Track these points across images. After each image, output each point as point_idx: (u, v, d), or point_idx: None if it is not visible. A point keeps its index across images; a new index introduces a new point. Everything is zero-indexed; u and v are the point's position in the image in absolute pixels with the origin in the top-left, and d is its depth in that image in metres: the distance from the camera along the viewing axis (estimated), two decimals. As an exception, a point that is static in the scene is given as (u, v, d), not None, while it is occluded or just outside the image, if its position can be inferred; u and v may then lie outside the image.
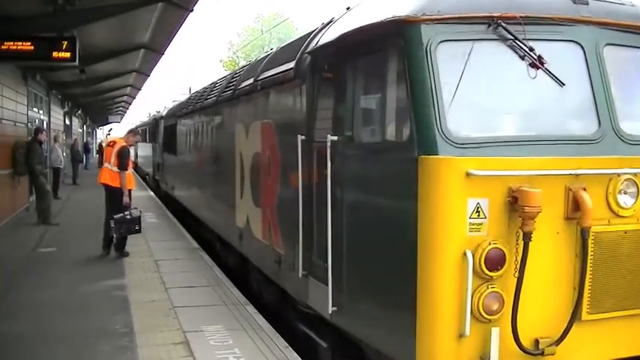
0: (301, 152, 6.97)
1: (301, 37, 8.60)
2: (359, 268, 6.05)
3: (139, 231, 12.46)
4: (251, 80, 10.05)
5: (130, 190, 12.58)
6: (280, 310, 9.09)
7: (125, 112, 59.02)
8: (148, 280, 10.63)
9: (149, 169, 32.55)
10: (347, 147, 6.21)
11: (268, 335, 7.75)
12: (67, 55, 12.86)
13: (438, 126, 5.00)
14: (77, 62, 13.39)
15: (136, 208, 12.58)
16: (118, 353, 7.11)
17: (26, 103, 19.28)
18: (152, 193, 27.04)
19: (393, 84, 5.71)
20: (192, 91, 27.30)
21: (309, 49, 7.42)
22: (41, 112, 23.92)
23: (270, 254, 8.71)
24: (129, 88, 33.83)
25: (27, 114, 19.44)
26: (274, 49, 11.00)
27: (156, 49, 19.79)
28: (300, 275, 7.16)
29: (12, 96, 16.97)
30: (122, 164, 12.37)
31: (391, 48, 5.62)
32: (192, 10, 14.50)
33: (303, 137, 7.00)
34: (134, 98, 44.55)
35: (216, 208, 13.05)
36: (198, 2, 13.88)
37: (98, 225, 13.04)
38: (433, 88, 5.07)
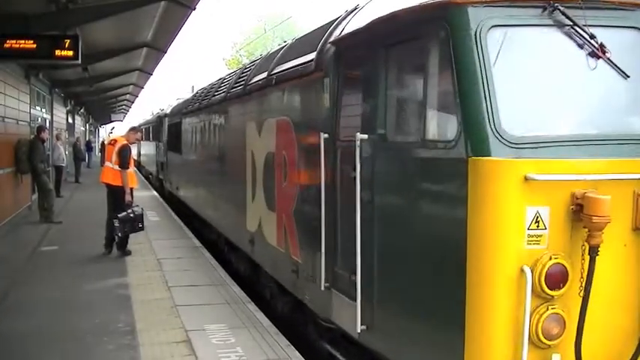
0: (324, 152, 6.44)
1: (321, 27, 8.01)
2: (395, 283, 5.43)
3: (142, 229, 12.52)
4: (264, 75, 9.44)
5: (131, 189, 12.57)
6: (297, 324, 8.49)
7: (128, 110, 59.07)
8: (151, 278, 10.64)
9: (152, 168, 31.90)
10: (379, 147, 5.60)
11: (270, 333, 7.76)
12: (70, 53, 12.86)
13: (491, 123, 4.41)
14: (80, 60, 13.40)
15: (137, 205, 12.60)
16: (121, 351, 7.12)
17: (29, 102, 19.27)
18: (155, 193, 26.49)
19: (435, 75, 5.04)
20: (194, 90, 27.01)
21: (332, 39, 6.84)
22: (44, 110, 23.93)
23: (286, 263, 8.12)
24: (131, 86, 33.86)
25: (29, 112, 19.43)
26: (289, 41, 10.20)
27: (159, 47, 19.79)
28: (322, 288, 6.60)
29: (14, 94, 16.98)
30: (123, 163, 12.38)
31: (434, 34, 4.95)
32: (194, 9, 14.51)
33: (326, 136, 6.44)
34: (137, 97, 44.58)
35: (225, 211, 12.50)
36: (200, 0, 13.89)
37: (101, 223, 13.03)
38: (484, 80, 4.49)
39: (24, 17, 12.97)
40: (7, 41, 12.48)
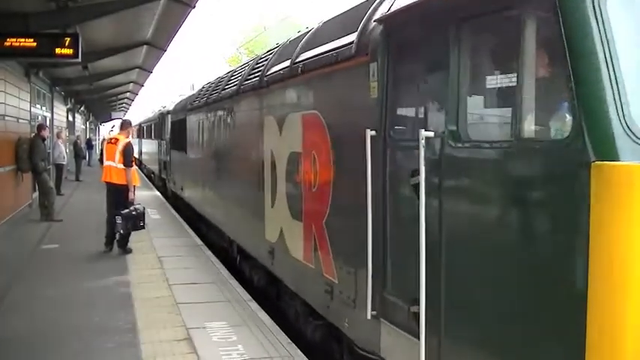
0: (371, 152, 5.29)
1: (359, 5, 6.82)
2: (479, 318, 4.27)
3: (143, 227, 12.55)
4: (286, 64, 8.29)
5: (134, 187, 12.62)
6: (331, 351, 7.53)
7: (128, 108, 59.03)
8: (152, 276, 10.64)
9: (154, 166, 31.17)
10: (450, 147, 4.48)
11: (272, 331, 7.76)
12: (70, 51, 12.85)
13: (621, 117, 3.37)
14: (80, 59, 13.39)
15: (139, 204, 12.67)
16: (122, 349, 7.12)
17: (29, 100, 19.27)
18: (158, 193, 25.82)
19: (531, 56, 3.89)
20: (194, 88, 26.80)
21: (379, 17, 5.66)
22: (44, 108, 23.92)
23: (316, 281, 7.00)
24: (131, 84, 33.83)
25: (30, 110, 19.43)
26: (314, 25, 8.67)
27: (158, 45, 19.78)
28: (369, 316, 5.46)
29: (15, 92, 16.97)
30: (127, 161, 12.48)
31: (531, 3, 3.91)
32: (194, 7, 14.47)
33: (372, 133, 5.30)
34: (137, 95, 44.56)
35: (238, 216, 11.35)
36: (200, -1, 13.87)
37: (101, 221, 13.05)
38: (608, 61, 3.44)
39: (24, 15, 12.96)
40: (8, 39, 12.47)
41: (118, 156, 12.46)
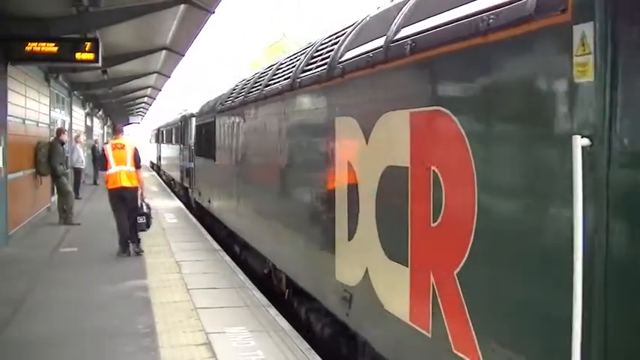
0: (583, 173, 3.22)
1: None
2: None
3: (148, 226, 13.16)
4: (377, 43, 5.98)
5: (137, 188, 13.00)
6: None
7: (145, 113, 59.32)
8: (170, 281, 10.65)
9: (175, 173, 29.79)
10: None
11: (290, 337, 7.73)
12: (91, 56, 12.97)
13: None
14: (100, 63, 13.49)
15: (146, 203, 13.17)
16: (141, 353, 7.12)
17: (49, 104, 19.39)
18: (180, 204, 23.56)
19: None
20: (209, 92, 26.64)
21: None
22: (63, 112, 24.07)
23: (437, 356, 4.74)
24: (149, 89, 33.98)
25: (49, 114, 19.56)
26: None
27: (177, 50, 19.88)
28: None
29: (35, 97, 17.09)
30: (139, 163, 12.97)
31: None
32: (213, 12, 14.57)
33: (585, 142, 3.23)
34: (154, 99, 44.76)
35: (290, 243, 8.96)
36: (219, 4, 13.93)
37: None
38: None
39: (45, 20, 13.08)
40: (29, 44, 12.59)
41: (130, 160, 12.67)
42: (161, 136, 40.61)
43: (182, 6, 13.64)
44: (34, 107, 17.06)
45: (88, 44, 13.00)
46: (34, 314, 8.67)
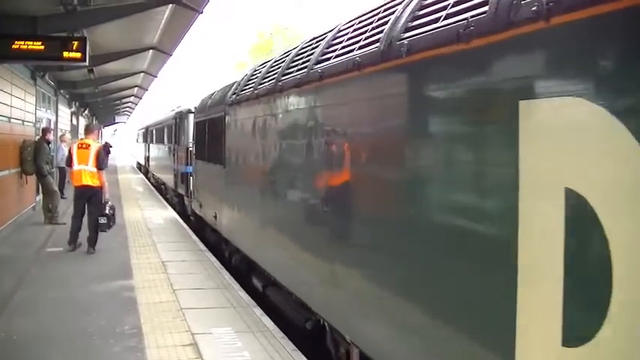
0: None
1: None
2: None
3: (110, 227, 13.25)
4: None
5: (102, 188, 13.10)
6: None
7: (132, 112, 59.14)
8: (156, 281, 10.64)
9: (166, 177, 26.52)
10: None
11: (276, 338, 7.76)
12: (78, 55, 12.90)
13: None
14: (87, 62, 13.44)
15: (112, 204, 13.30)
16: (127, 354, 7.11)
17: (34, 103, 19.29)
18: (175, 215, 19.94)
19: None
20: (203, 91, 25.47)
21: None
22: (49, 111, 23.95)
23: None
24: (136, 88, 33.88)
25: (35, 113, 19.46)
26: None
27: (164, 50, 19.85)
28: None
29: (21, 95, 16.99)
30: (101, 164, 12.98)
31: None
32: (201, 12, 14.54)
33: None
34: (141, 99, 44.64)
35: (369, 293, 5.82)
36: (208, 4, 13.92)
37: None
38: None
39: (32, 18, 13.02)
40: (16, 42, 12.50)
41: (92, 160, 12.84)
42: (150, 135, 37.65)
43: (170, 6, 13.62)
44: (20, 106, 16.96)
45: (76, 43, 12.92)
46: (20, 314, 8.62)
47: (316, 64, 7.37)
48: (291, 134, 8.38)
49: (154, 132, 34.74)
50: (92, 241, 12.99)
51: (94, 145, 13.20)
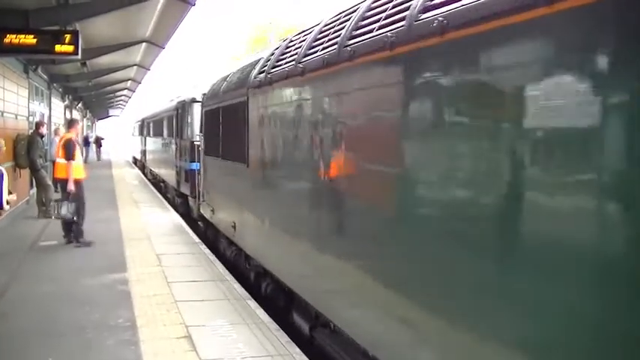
0: None
1: None
2: None
3: (72, 219, 13.04)
4: None
5: (79, 180, 13.13)
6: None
7: (125, 105, 59.04)
8: (150, 274, 10.64)
9: (166, 173, 24.26)
10: None
11: (270, 330, 7.77)
12: (70, 48, 12.86)
13: None
14: (80, 56, 13.40)
15: (80, 198, 13.19)
16: (122, 347, 7.12)
17: (27, 96, 19.24)
18: (179, 219, 17.30)
19: None
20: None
21: None
22: (42, 105, 23.89)
23: None
24: (130, 81, 33.83)
25: (28, 107, 19.41)
26: None
27: (157, 43, 19.82)
28: None
29: (13, 89, 16.95)
30: (67, 154, 12.99)
31: None
32: (194, 4, 14.52)
33: None
34: (134, 92, 44.56)
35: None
36: (201, -3, 13.90)
37: (96, 218, 13.25)
38: None
39: (24, 12, 12.97)
40: (8, 36, 12.45)
41: (60, 151, 13.08)
42: (147, 128, 34.98)
43: (162, -2, 13.63)
44: (13, 100, 16.92)
45: (68, 36, 12.88)
46: (14, 308, 8.62)
47: (362, 42, 5.48)
48: (367, 123, 5.83)
49: (151, 124, 31.99)
50: (73, 233, 13.05)
51: (64, 137, 13.42)
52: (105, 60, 21.53)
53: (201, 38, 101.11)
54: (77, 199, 12.95)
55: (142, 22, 16.59)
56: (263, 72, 9.28)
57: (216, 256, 12.34)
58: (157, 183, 28.09)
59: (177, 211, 19.14)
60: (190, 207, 18.52)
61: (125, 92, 42.61)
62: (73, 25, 13.53)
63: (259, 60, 10.13)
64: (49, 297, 9.17)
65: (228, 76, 12.59)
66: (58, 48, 12.84)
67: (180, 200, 20.28)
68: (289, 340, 7.45)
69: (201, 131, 15.19)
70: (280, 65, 8.56)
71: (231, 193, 11.55)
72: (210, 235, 14.66)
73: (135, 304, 8.77)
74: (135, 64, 25.30)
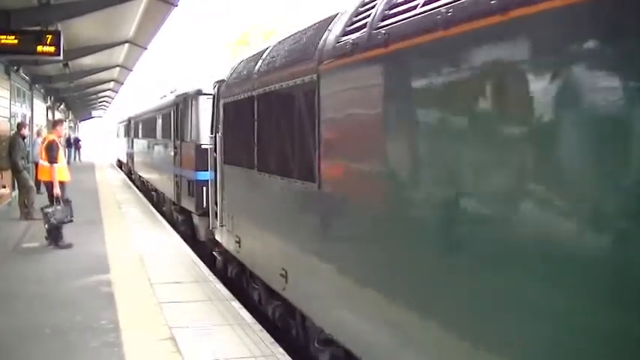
0: None
1: None
2: None
3: (71, 220, 12.92)
4: None
5: (63, 182, 13.00)
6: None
7: (108, 106, 58.78)
8: (134, 275, 10.59)
9: (161, 181, 20.40)
10: None
11: (254, 331, 7.76)
12: (52, 49, 12.82)
13: None
14: (61, 56, 13.35)
15: (67, 198, 13.09)
16: (105, 349, 7.08)
17: (9, 98, 19.13)
18: (181, 243, 13.94)
19: None
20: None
21: None
22: (24, 106, 23.75)
23: None
24: (112, 82, 33.71)
25: (9, 108, 19.29)
26: None
27: (140, 43, 19.77)
28: None
29: (-5, 90, 16.88)
30: (50, 158, 12.83)
31: None
32: (176, 5, 14.52)
33: None
34: (117, 93, 44.39)
35: None
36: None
37: (79, 221, 13.16)
38: None
39: (6, 12, 12.90)
40: (-12, 36, 12.41)
41: (44, 154, 12.97)
42: (134, 128, 30.99)
43: (145, -1, 13.60)
44: (-6, 101, 16.84)
45: (50, 37, 12.84)
46: (-4, 310, 8.57)
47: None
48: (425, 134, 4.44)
49: (140, 124, 28.10)
50: (53, 236, 12.92)
51: (47, 139, 13.29)
52: (87, 61, 21.46)
53: (190, 41, 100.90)
54: (65, 200, 12.91)
55: (124, 22, 16.55)
56: (359, 28, 5.55)
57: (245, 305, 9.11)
58: (147, 191, 24.93)
59: (175, 228, 16.12)
60: (195, 226, 15.13)
61: (108, 93, 42.46)
62: (55, 26, 13.48)
63: (344, 12, 6.29)
64: (32, 298, 9.09)
65: (266, 50, 8.87)
66: (39, 49, 12.80)
67: (182, 217, 16.62)
68: (273, 341, 7.45)
69: (214, 132, 11.23)
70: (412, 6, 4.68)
71: (280, 225, 7.73)
72: (232, 271, 10.99)
73: (118, 306, 8.71)
74: (117, 65, 25.24)
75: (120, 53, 22.02)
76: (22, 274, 10.69)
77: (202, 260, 12.08)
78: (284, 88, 7.42)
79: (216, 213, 11.06)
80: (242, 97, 9.28)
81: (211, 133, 11.52)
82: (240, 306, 8.84)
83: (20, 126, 17.83)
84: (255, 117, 8.56)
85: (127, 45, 19.88)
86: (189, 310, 8.57)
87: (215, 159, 10.98)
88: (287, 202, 7.48)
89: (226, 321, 8.12)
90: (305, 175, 6.66)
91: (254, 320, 8.21)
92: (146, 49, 20.89)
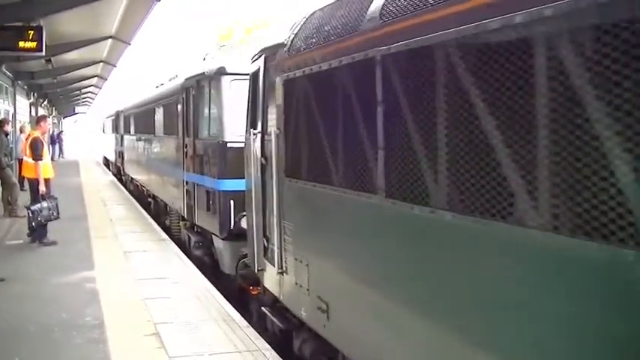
0: None
1: None
2: None
3: (57, 217, 12.89)
4: None
5: (47, 179, 12.98)
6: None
7: (91, 102, 58.46)
8: (118, 272, 10.56)
9: (165, 190, 16.17)
10: None
11: (239, 325, 7.77)
12: (34, 45, 12.74)
13: None
14: (44, 52, 13.26)
15: (53, 195, 13.09)
16: (90, 345, 7.07)
17: (-9, 94, 19.02)
18: (198, 275, 10.57)
19: None
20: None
21: None
22: (6, 102, 23.58)
23: None
24: (96, 78, 33.51)
25: (-8, 105, 19.18)
26: None
27: (123, 39, 19.68)
28: None
29: (-23, 86, 16.76)
30: (34, 155, 12.80)
31: None
32: (159, 0, 14.46)
33: None
34: (100, 88, 44.13)
35: None
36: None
37: (64, 217, 13.10)
38: None
39: (-14, 8, 12.80)
40: (-31, 32, 12.31)
41: (28, 151, 12.97)
42: (125, 122, 26.42)
43: (128, -6, 13.53)
44: (-24, 97, 16.72)
45: (32, 32, 12.75)
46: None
47: None
48: None
49: (132, 118, 23.88)
50: (37, 233, 12.86)
51: (32, 136, 13.26)
52: (70, 56, 21.30)
53: (177, 37, 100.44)
54: (50, 196, 12.88)
55: (107, 18, 16.45)
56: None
57: None
58: (141, 195, 21.56)
59: (187, 253, 12.39)
60: (218, 252, 11.36)
61: (91, 89, 42.17)
62: (37, 21, 13.36)
63: None
64: (16, 296, 9.08)
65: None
66: (21, 44, 12.73)
67: (197, 239, 12.48)
68: (258, 336, 7.45)
69: (253, 125, 7.83)
70: None
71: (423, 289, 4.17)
72: (301, 346, 6.90)
73: (103, 302, 8.70)
74: (101, 61, 25.11)
75: (103, 49, 21.90)
76: (6, 271, 10.61)
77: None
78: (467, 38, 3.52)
79: (264, 247, 7.43)
80: (336, 64, 5.31)
81: (251, 127, 7.96)
82: (225, 302, 8.81)
83: (3, 123, 17.70)
84: (380, 97, 4.55)
85: (110, 40, 19.77)
86: (174, 306, 8.55)
87: (262, 165, 7.33)
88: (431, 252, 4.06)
89: (211, 316, 8.11)
90: (483, 204, 3.42)
91: (240, 316, 8.22)
92: (129, 44, 20.80)
